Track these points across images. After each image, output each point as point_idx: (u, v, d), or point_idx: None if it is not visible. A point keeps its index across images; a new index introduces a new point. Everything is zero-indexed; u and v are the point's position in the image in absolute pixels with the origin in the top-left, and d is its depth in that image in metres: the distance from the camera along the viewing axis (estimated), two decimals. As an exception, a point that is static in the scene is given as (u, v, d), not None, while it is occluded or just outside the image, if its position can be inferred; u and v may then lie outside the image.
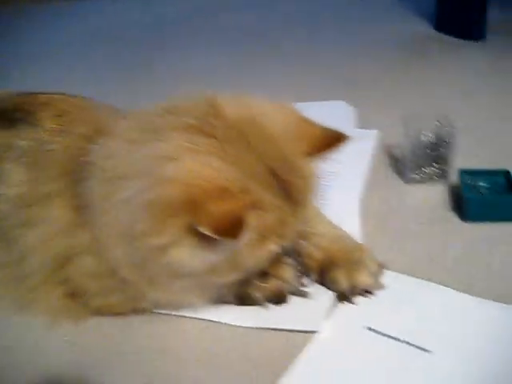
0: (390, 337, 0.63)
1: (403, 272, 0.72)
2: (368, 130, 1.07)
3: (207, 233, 0.53)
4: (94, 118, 0.74)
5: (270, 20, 1.82)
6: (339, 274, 0.68)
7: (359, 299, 0.68)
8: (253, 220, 0.56)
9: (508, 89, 1.22)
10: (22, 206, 0.66)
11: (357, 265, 0.68)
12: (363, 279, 0.68)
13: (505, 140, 1.03)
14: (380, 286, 0.69)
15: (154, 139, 0.60)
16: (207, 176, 0.56)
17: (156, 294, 0.64)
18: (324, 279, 0.70)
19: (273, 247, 0.60)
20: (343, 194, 0.88)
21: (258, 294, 0.68)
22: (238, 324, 0.67)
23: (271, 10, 1.90)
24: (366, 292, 0.69)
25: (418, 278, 0.71)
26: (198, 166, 0.57)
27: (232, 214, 0.54)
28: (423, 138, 0.91)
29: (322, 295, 0.69)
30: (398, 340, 0.62)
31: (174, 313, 0.68)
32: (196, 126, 0.59)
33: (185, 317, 0.68)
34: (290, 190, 0.60)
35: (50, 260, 0.65)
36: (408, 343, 0.62)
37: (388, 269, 0.72)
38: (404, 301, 0.68)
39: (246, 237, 0.56)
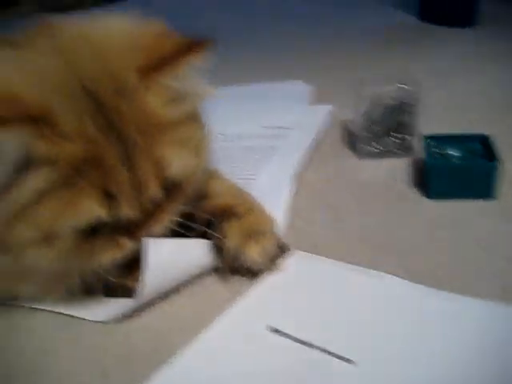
0: (300, 341, 0.43)
1: (339, 259, 0.53)
2: (321, 106, 0.89)
3: None
4: None
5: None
6: (234, 227, 0.51)
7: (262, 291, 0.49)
8: (36, 136, 0.37)
9: (490, 70, 1.05)
10: None
11: (254, 233, 0.51)
12: (252, 252, 0.50)
13: (481, 106, 0.86)
14: (273, 269, 0.52)
15: None
16: None
17: None
18: (213, 228, 0.51)
19: (93, 207, 0.40)
20: (277, 170, 0.71)
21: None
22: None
23: None
24: (248, 271, 0.51)
25: (354, 264, 0.52)
26: None
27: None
28: (380, 103, 0.73)
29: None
30: (312, 346, 0.43)
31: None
32: (6, 39, 0.45)
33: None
34: (116, 120, 0.41)
35: None
36: (325, 351, 0.42)
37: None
38: (323, 292, 0.49)
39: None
